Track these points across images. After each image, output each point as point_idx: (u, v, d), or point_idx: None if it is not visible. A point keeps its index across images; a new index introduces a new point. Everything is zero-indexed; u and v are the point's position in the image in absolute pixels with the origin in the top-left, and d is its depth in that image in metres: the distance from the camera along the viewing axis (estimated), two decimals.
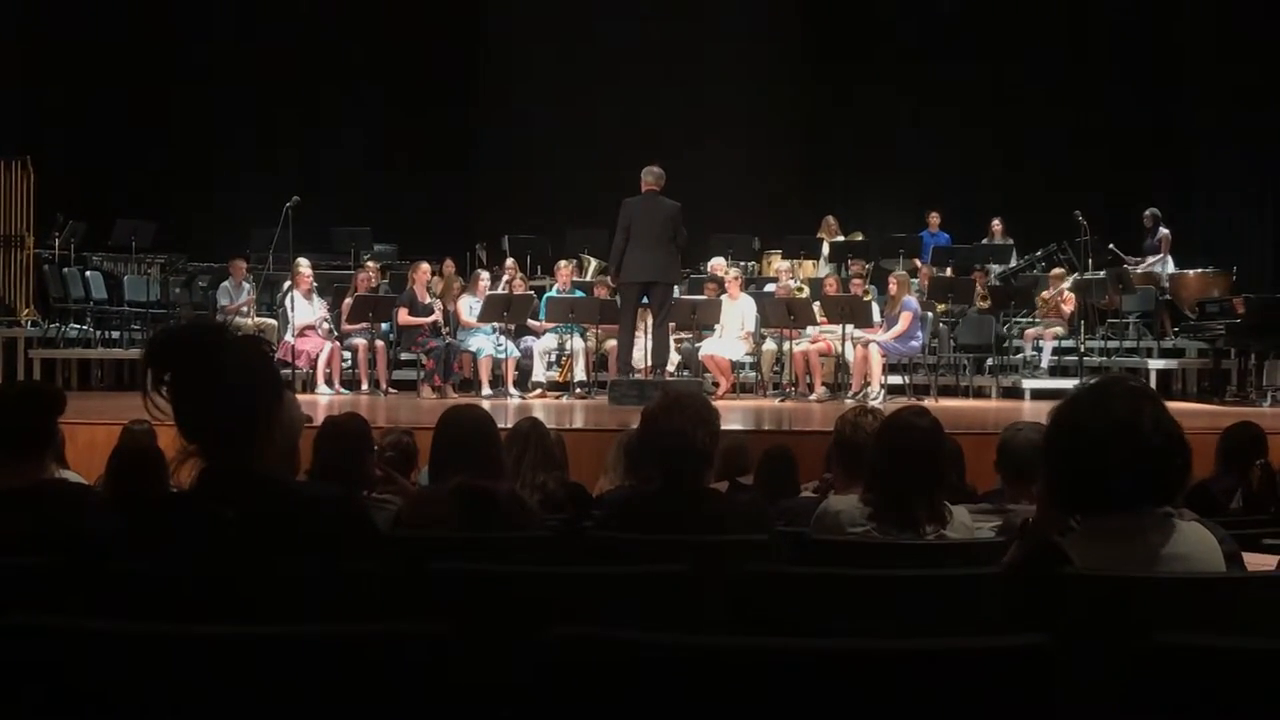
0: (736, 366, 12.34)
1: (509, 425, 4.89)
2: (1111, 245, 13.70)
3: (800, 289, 12.89)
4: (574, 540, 3.46)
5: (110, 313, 13.30)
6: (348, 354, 12.03)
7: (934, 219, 15.16)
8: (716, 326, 12.11)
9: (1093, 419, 2.43)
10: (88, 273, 13.38)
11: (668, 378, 10.98)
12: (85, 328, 13.10)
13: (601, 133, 15.39)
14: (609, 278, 11.67)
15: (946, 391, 12.47)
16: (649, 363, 11.00)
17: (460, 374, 12.01)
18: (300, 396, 9.83)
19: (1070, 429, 2.46)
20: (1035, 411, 9.94)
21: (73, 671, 1.83)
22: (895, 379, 12.02)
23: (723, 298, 12.25)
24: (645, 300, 10.73)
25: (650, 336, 10.87)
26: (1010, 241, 14.74)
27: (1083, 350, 12.29)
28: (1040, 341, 12.80)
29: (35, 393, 3.35)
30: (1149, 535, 2.44)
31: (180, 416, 2.22)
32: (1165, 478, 2.45)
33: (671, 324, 11.25)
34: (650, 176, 10.51)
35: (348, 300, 12.11)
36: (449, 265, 13.19)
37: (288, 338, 11.69)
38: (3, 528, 2.84)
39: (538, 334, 12.36)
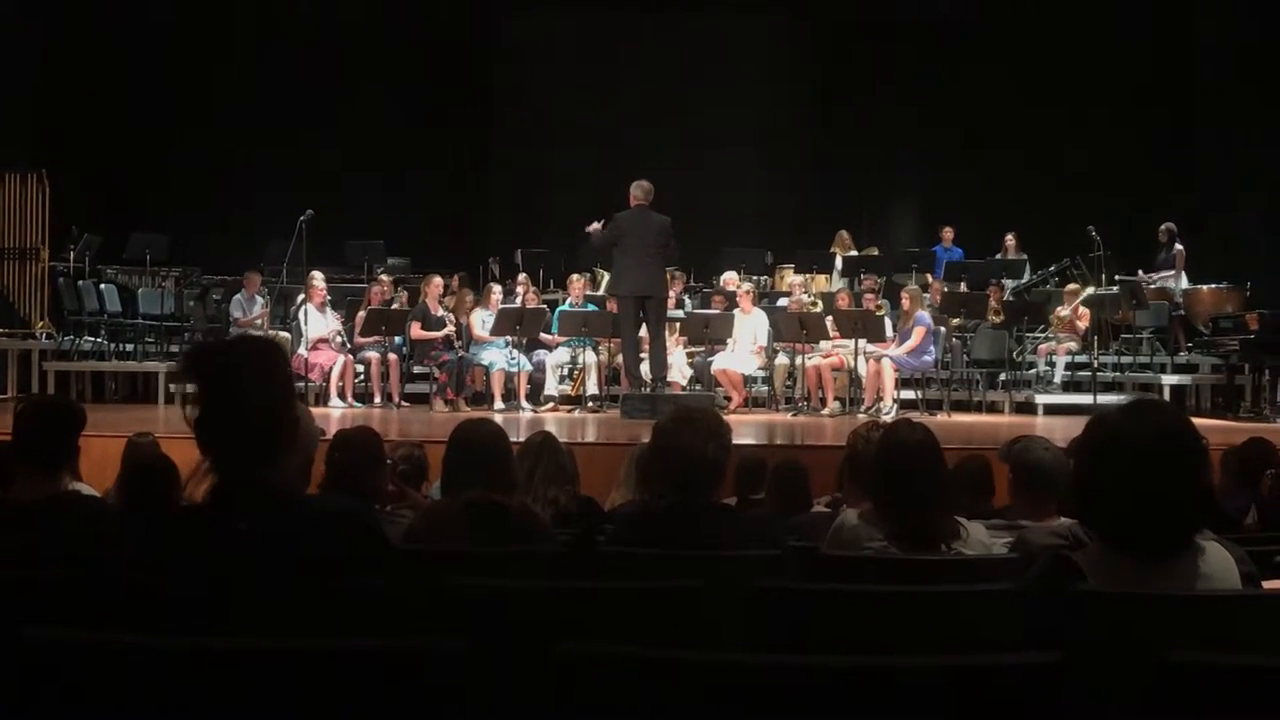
0: (749, 381, 12.33)
1: (521, 439, 4.89)
2: (1119, 276, 13.65)
3: (813, 303, 12.87)
4: (585, 555, 3.46)
5: (124, 325, 13.33)
6: (360, 367, 12.05)
7: (947, 234, 15.14)
8: (729, 341, 12.09)
9: (1138, 446, 2.38)
10: (102, 286, 13.42)
11: (679, 391, 10.97)
12: (99, 340, 13.14)
13: (614, 147, 15.40)
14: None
15: (959, 406, 12.45)
16: (651, 374, 11.01)
17: (473, 387, 12.03)
18: (312, 409, 9.85)
19: (1113, 455, 2.41)
20: (1048, 427, 9.92)
21: (87, 683, 1.84)
22: (908, 394, 12.00)
23: (735, 312, 12.24)
24: (643, 314, 10.76)
25: (649, 349, 10.89)
26: (1024, 257, 14.73)
27: (1096, 365, 12.26)
28: (1054, 356, 12.77)
29: (57, 409, 3.37)
30: (1169, 553, 2.43)
31: (197, 429, 2.23)
32: (1200, 515, 2.44)
33: (683, 338, 11.30)
34: (639, 191, 10.57)
35: (361, 313, 12.13)
36: (454, 280, 13.20)
37: (301, 350, 11.71)
38: (22, 540, 2.86)
39: (550, 348, 12.37)
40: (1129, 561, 2.41)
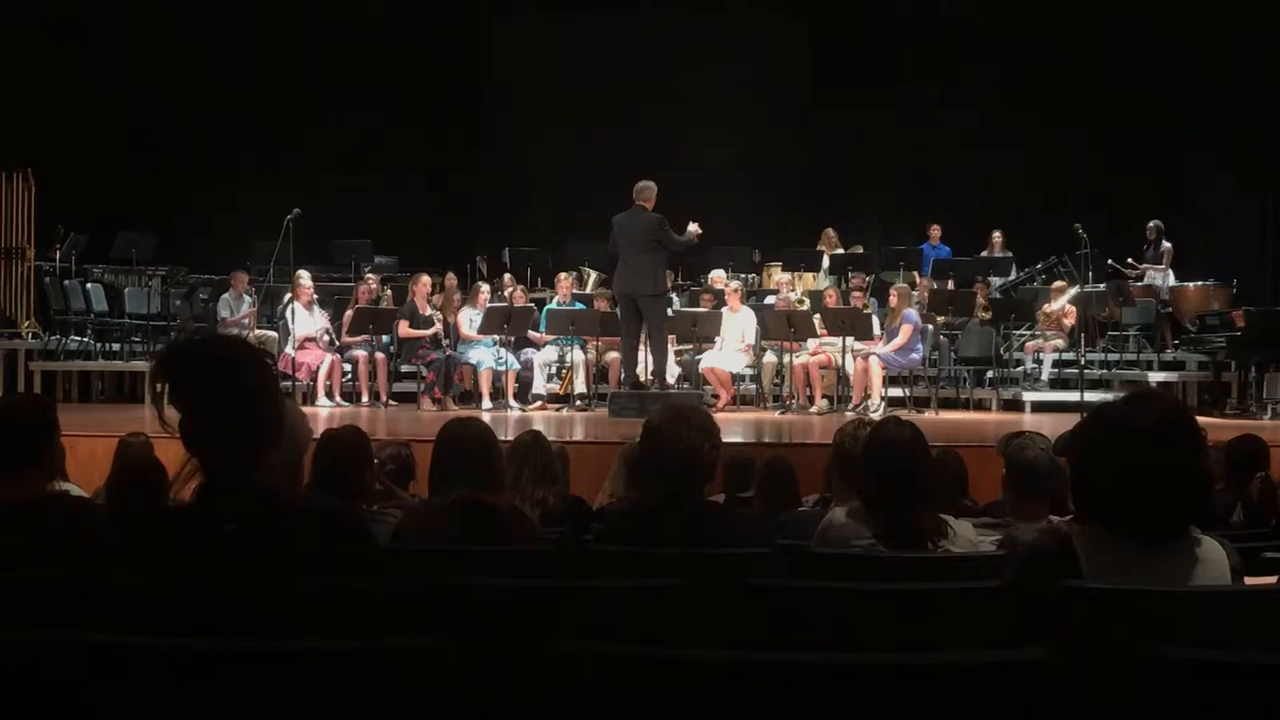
0: (737, 379, 12.34)
1: (509, 438, 4.89)
2: (1111, 261, 13.68)
3: (801, 301, 12.89)
4: (573, 554, 3.46)
5: (111, 325, 13.31)
6: (348, 366, 12.03)
7: (935, 232, 15.15)
8: (717, 339, 12.11)
9: (1140, 431, 2.42)
10: (88, 285, 13.39)
11: (667, 389, 10.98)
12: (86, 340, 13.11)
13: (602, 145, 15.39)
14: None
15: (947, 404, 12.47)
16: (648, 373, 11.02)
17: (460, 386, 12.02)
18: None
19: (1115, 440, 2.44)
20: (1035, 424, 9.94)
21: (71, 685, 1.83)
22: (895, 391, 12.01)
23: (723, 310, 12.25)
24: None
25: (649, 347, 10.89)
26: (1010, 254, 14.75)
27: (1083, 363, 12.30)
28: (1040, 354, 12.80)
29: (22, 408, 3.34)
30: (1167, 541, 2.45)
31: (184, 429, 2.22)
32: (1199, 501, 2.46)
33: (672, 336, 11.28)
34: (633, 191, 10.54)
35: (348, 312, 12.12)
36: (450, 279, 13.19)
37: (288, 350, 11.69)
38: (3, 543, 2.83)
39: (538, 346, 12.37)
40: (1127, 548, 2.42)
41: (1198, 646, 1.89)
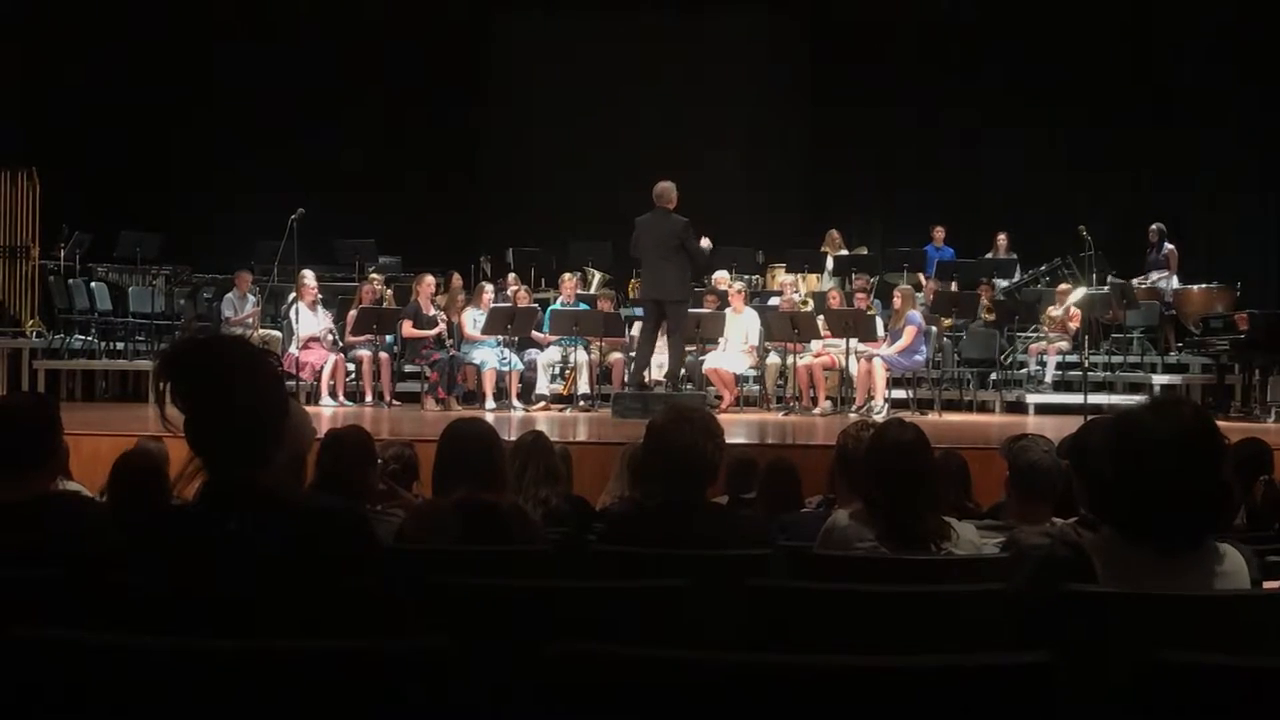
0: (740, 380, 12.33)
1: (512, 438, 4.89)
2: (1112, 276, 13.67)
3: (804, 303, 12.88)
4: (576, 554, 3.46)
5: (115, 324, 13.32)
6: (352, 366, 12.03)
7: (939, 233, 15.13)
8: (720, 340, 12.10)
9: (1165, 441, 2.39)
10: (93, 284, 13.40)
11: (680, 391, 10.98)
12: (90, 339, 13.12)
13: (606, 146, 15.40)
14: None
15: (950, 406, 12.46)
16: (655, 375, 11.01)
17: (464, 386, 12.02)
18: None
19: (1139, 449, 2.41)
20: (1038, 426, 9.92)
21: (73, 685, 1.83)
22: (899, 393, 12.01)
23: (727, 311, 12.24)
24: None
25: (668, 351, 10.88)
26: (1014, 256, 14.74)
27: (1086, 365, 12.28)
28: (1044, 356, 12.78)
29: (21, 406, 3.33)
30: (1187, 550, 2.43)
31: (187, 428, 2.22)
32: (1221, 511, 2.45)
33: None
34: (653, 194, 10.51)
35: (352, 312, 12.13)
36: (456, 279, 13.18)
37: (292, 349, 11.70)
38: (4, 542, 2.83)
39: (541, 346, 12.37)
40: (1144, 556, 2.41)
41: (1205, 651, 1.88)
